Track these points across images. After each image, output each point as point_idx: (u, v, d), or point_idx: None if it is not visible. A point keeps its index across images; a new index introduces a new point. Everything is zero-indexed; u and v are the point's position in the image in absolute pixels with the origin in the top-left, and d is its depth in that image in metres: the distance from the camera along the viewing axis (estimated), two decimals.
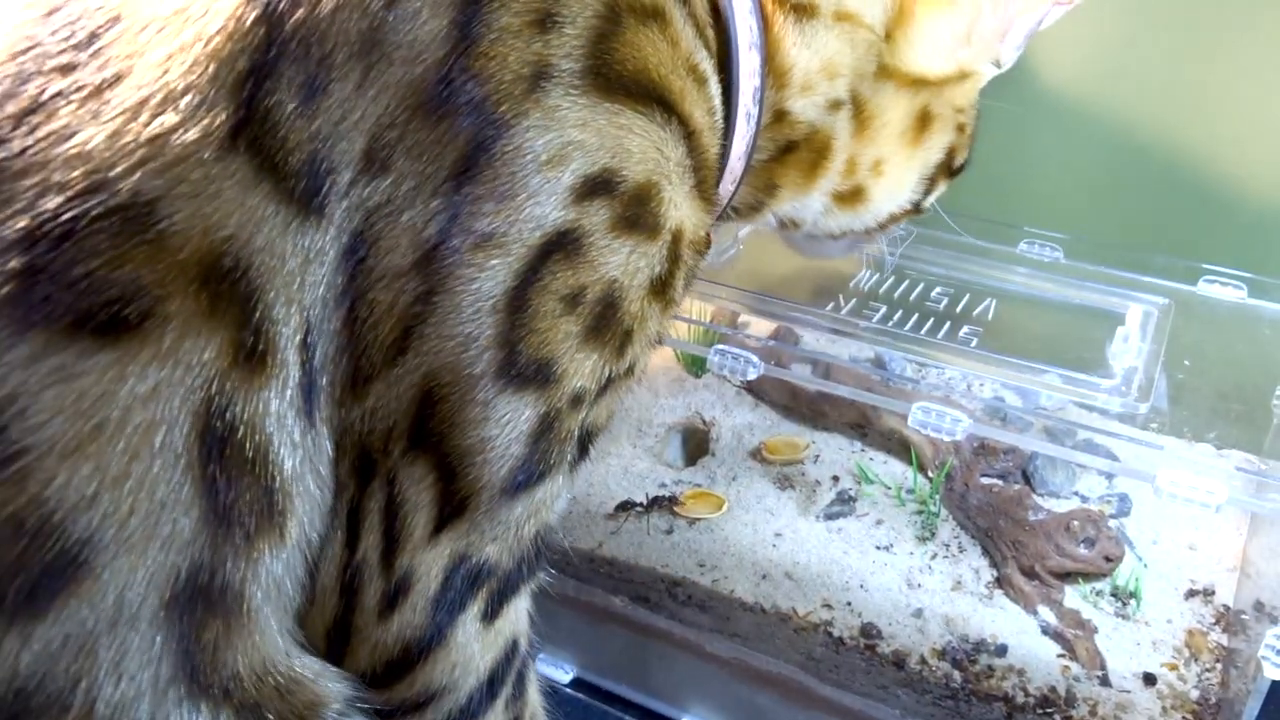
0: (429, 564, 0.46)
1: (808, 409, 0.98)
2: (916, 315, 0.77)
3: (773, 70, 0.57)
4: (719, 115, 0.53)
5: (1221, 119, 0.99)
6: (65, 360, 0.38)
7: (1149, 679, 0.73)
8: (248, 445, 0.41)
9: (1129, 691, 0.72)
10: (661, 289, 0.49)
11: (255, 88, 0.42)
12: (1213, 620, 0.78)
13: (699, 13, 0.52)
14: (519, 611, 0.53)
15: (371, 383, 0.44)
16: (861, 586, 0.80)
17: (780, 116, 0.59)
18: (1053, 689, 0.72)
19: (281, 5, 0.42)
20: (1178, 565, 0.83)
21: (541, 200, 0.44)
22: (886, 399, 0.72)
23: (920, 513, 0.87)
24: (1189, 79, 0.99)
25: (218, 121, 0.41)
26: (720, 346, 0.70)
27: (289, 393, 0.42)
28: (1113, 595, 0.80)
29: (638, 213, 0.47)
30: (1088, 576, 0.80)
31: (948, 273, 0.85)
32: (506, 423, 0.45)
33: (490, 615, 0.50)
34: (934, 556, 0.83)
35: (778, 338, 0.92)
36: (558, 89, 0.45)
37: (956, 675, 0.73)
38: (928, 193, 0.69)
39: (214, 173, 0.41)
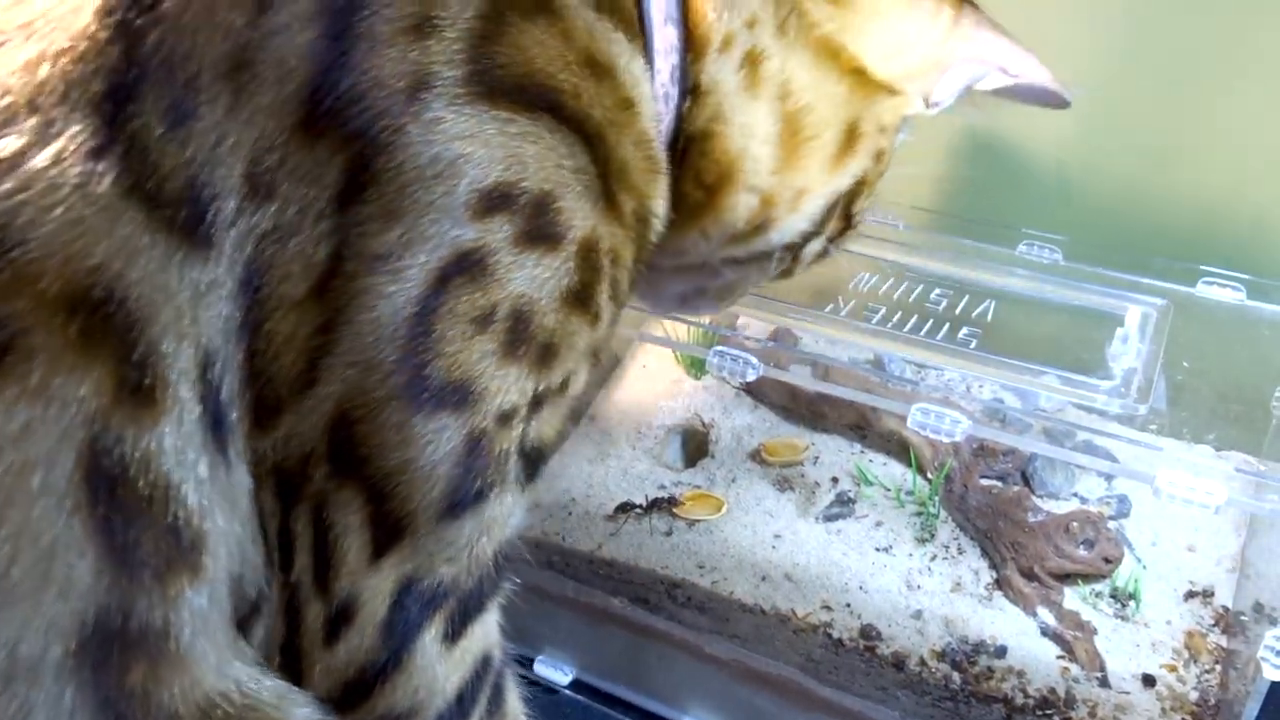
0: (373, 588, 0.45)
1: (807, 410, 0.98)
2: (916, 317, 0.77)
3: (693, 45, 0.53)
4: (639, 103, 0.50)
5: (1221, 120, 0.99)
6: None
7: (1148, 680, 0.73)
8: (142, 483, 0.39)
9: (1128, 693, 0.72)
10: (579, 301, 0.47)
11: (116, 110, 0.39)
12: (1212, 622, 0.78)
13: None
14: (487, 627, 0.51)
15: (281, 414, 0.43)
16: (861, 588, 0.80)
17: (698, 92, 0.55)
18: (1052, 690, 0.72)
19: (139, 22, 0.40)
20: (1177, 566, 0.83)
21: (436, 218, 0.42)
22: (886, 400, 0.72)
23: (920, 514, 0.87)
24: (1188, 80, 0.99)
25: (73, 145, 0.38)
26: (719, 348, 0.70)
27: (186, 428, 0.40)
28: (1112, 597, 0.80)
29: (539, 224, 0.45)
30: (1087, 578, 0.80)
31: (947, 274, 0.85)
32: (428, 445, 0.44)
33: (453, 635, 0.48)
34: (933, 558, 0.83)
35: (777, 339, 0.92)
36: (439, 100, 0.42)
37: (956, 677, 0.73)
38: (818, 227, 0.59)
39: (71, 199, 0.38)
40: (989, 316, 0.79)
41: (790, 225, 0.58)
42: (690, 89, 0.53)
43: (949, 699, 0.72)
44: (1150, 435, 0.83)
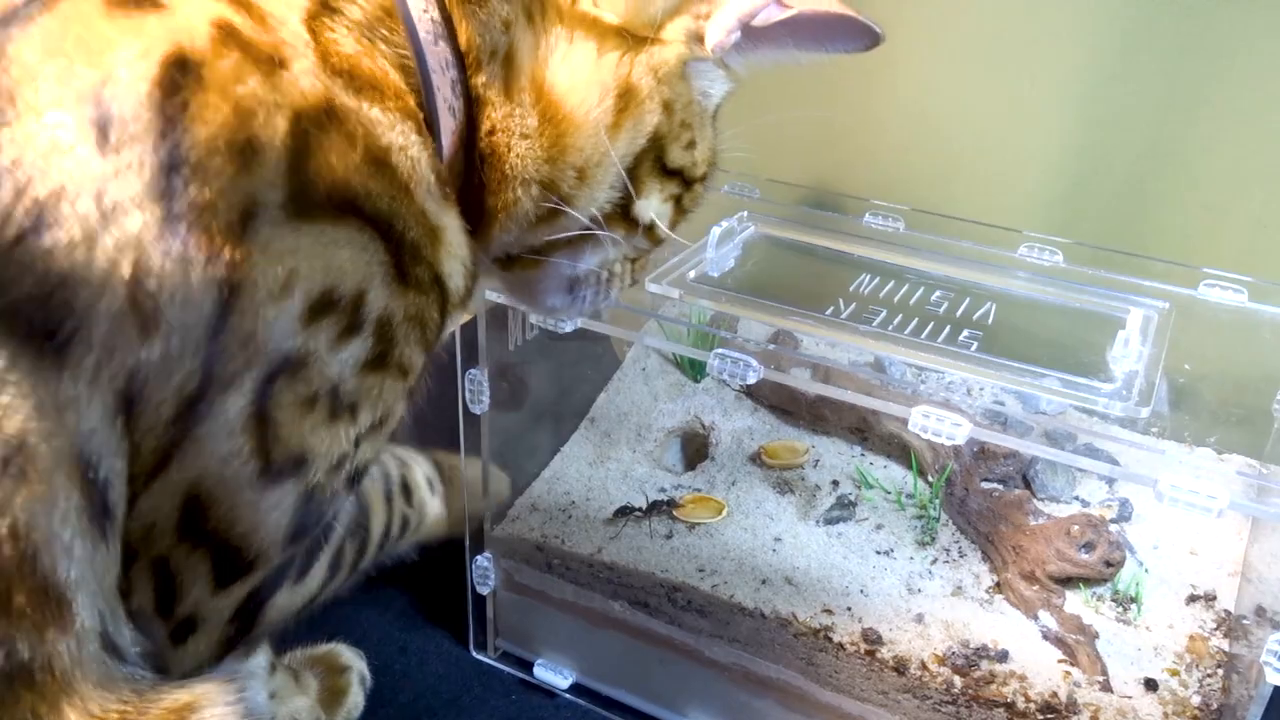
0: (219, 608, 0.54)
1: (807, 413, 0.97)
2: (916, 319, 0.77)
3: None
4: (417, 174, 0.53)
5: (1223, 122, 0.99)
6: None
7: (1150, 684, 0.73)
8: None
9: (1130, 697, 0.72)
10: (385, 364, 0.54)
11: None
12: (1214, 625, 0.78)
13: (381, 63, 0.52)
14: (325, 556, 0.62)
15: (137, 500, 0.48)
16: (862, 591, 0.80)
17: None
18: (1054, 694, 0.72)
19: None
20: (1179, 570, 0.82)
21: (276, 332, 0.47)
22: (886, 403, 0.71)
23: (920, 517, 0.87)
24: (1190, 81, 0.99)
25: None
26: (720, 350, 0.69)
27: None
28: (1114, 600, 0.79)
29: (353, 319, 0.51)
30: (1088, 582, 0.80)
31: (947, 277, 0.85)
32: (274, 509, 0.52)
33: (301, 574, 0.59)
34: (934, 561, 0.83)
35: (777, 342, 0.92)
36: (267, 224, 0.46)
37: (957, 681, 0.73)
38: (629, 191, 0.60)
39: None
40: (990, 319, 0.79)
41: (589, 197, 0.59)
42: (474, 102, 0.56)
43: (950, 703, 0.72)
44: (1152, 438, 0.83)
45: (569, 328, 0.72)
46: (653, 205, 0.62)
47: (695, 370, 1.04)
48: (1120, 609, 0.79)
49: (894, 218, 0.92)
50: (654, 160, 0.60)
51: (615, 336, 0.77)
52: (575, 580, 0.84)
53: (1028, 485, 0.88)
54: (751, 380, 0.69)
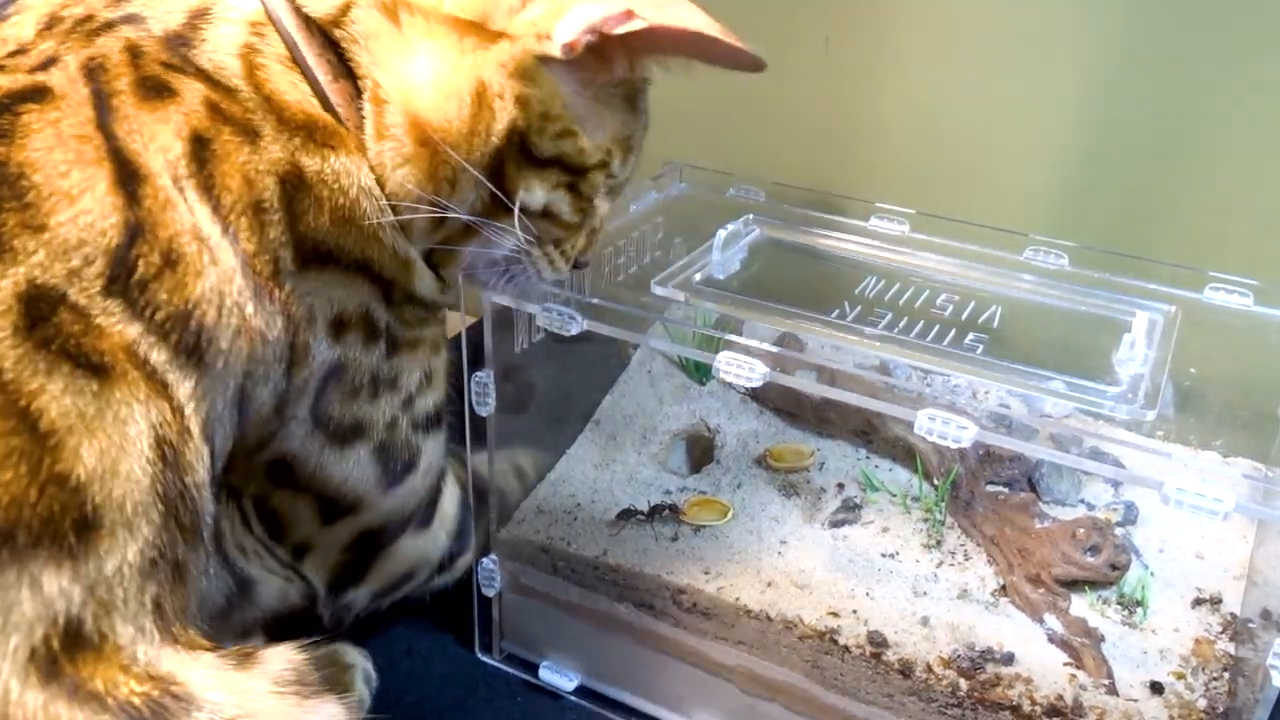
0: (329, 540, 0.72)
1: (813, 416, 0.97)
2: (922, 322, 0.77)
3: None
4: (360, 206, 0.60)
5: (1228, 124, 0.99)
6: None
7: (1156, 688, 0.73)
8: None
9: (1136, 700, 0.72)
10: (397, 348, 0.67)
11: None
12: (1220, 629, 0.78)
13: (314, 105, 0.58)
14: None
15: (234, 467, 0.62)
16: (867, 594, 0.80)
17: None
18: (1060, 697, 0.72)
19: None
20: (1184, 573, 0.82)
21: (318, 350, 0.60)
22: (892, 406, 0.71)
23: (926, 520, 0.87)
24: (1195, 84, 0.99)
25: None
26: (725, 353, 0.69)
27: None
28: (1119, 603, 0.79)
29: (369, 329, 0.64)
30: (1094, 585, 0.80)
31: (953, 280, 0.85)
32: (354, 463, 0.68)
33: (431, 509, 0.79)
34: (940, 564, 0.83)
35: (782, 344, 0.92)
36: (286, 273, 0.57)
37: (963, 684, 0.73)
38: (499, 185, 0.61)
39: None
40: (995, 322, 0.79)
41: (463, 199, 0.61)
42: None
43: (956, 706, 0.72)
44: (1157, 441, 0.83)
45: (575, 330, 0.72)
46: (537, 196, 0.63)
47: (701, 373, 1.04)
48: (1126, 612, 0.79)
49: (899, 220, 0.92)
50: (518, 153, 0.60)
51: (621, 339, 0.77)
52: (580, 582, 0.84)
53: (1033, 488, 0.88)
54: (757, 383, 0.69)
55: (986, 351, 0.73)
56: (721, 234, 0.84)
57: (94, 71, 0.53)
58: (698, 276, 0.82)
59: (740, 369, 0.69)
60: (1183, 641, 0.77)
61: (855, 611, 0.79)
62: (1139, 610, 0.79)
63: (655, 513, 0.87)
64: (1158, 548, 0.84)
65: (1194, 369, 0.80)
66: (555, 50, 0.58)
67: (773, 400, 1.00)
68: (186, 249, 0.52)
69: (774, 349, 0.71)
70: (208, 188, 0.53)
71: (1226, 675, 0.74)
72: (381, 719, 0.74)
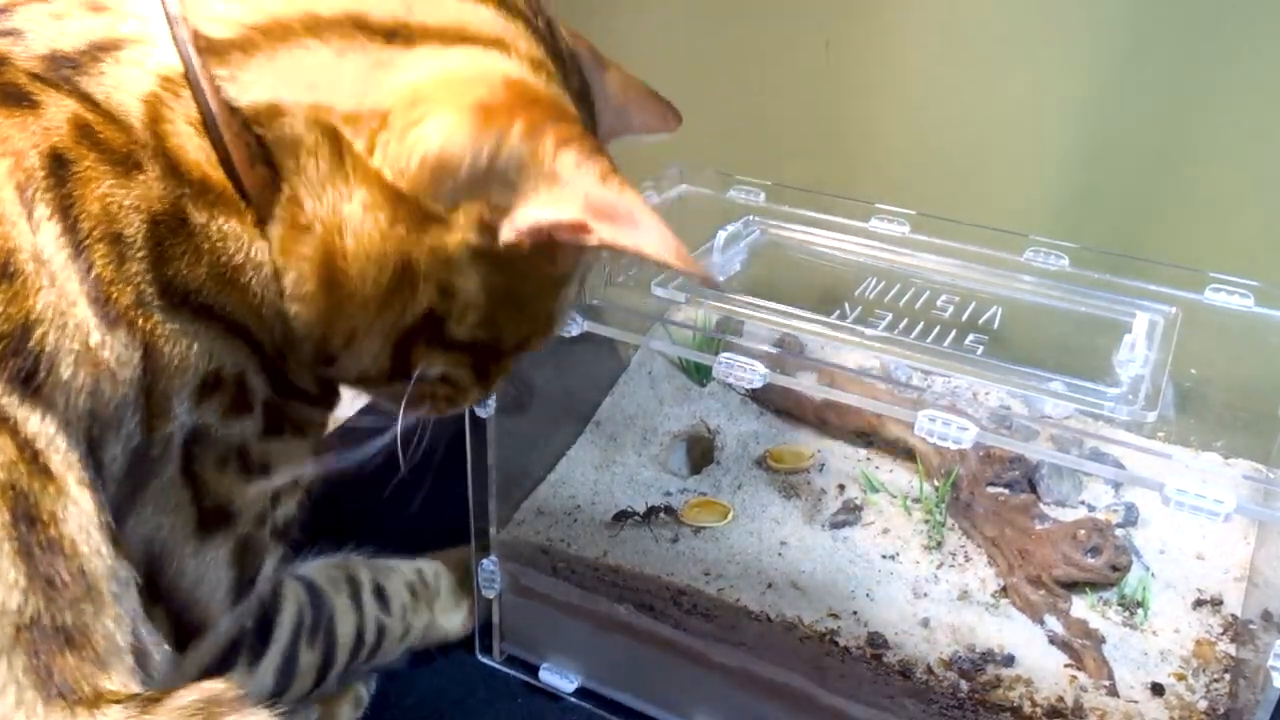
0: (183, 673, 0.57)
1: (813, 417, 0.97)
2: (922, 323, 0.77)
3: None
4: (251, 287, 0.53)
5: (1230, 126, 0.99)
6: None
7: (1157, 689, 0.73)
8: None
9: (1137, 702, 0.72)
10: (277, 433, 0.58)
11: None
12: (1220, 630, 0.78)
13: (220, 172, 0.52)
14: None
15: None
16: (868, 595, 0.80)
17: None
18: (1060, 699, 0.72)
19: None
20: (1185, 574, 0.82)
21: (179, 404, 0.51)
22: (892, 407, 0.71)
23: (926, 522, 0.87)
24: (1196, 84, 0.99)
25: None
26: (725, 354, 0.69)
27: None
28: (1120, 605, 0.79)
29: (241, 397, 0.55)
30: (1095, 586, 0.80)
31: (953, 281, 0.85)
32: (213, 561, 0.57)
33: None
34: (940, 565, 0.83)
35: (783, 346, 0.92)
36: (155, 308, 0.50)
37: (963, 685, 0.73)
38: (393, 364, 0.57)
39: None
40: (995, 323, 0.79)
41: (350, 363, 0.57)
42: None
43: (956, 707, 0.72)
44: (1158, 442, 0.83)
45: (575, 331, 0.72)
46: (435, 369, 0.58)
47: (701, 374, 1.04)
48: (1126, 613, 0.79)
49: (900, 221, 0.92)
50: (430, 334, 0.56)
51: (621, 340, 0.77)
52: (580, 584, 0.84)
53: (1033, 489, 0.88)
54: (757, 384, 0.69)
55: (987, 352, 0.73)
56: (721, 234, 0.84)
57: None
58: None
59: (740, 370, 0.69)
60: (1183, 643, 0.77)
61: (855, 613, 0.79)
62: (1140, 611, 0.79)
63: (651, 514, 0.87)
64: (1158, 549, 0.84)
65: (1194, 370, 0.80)
66: (498, 244, 0.52)
67: (773, 401, 1.00)
68: (24, 265, 0.45)
69: (774, 350, 0.71)
70: (64, 207, 0.47)
71: (1227, 676, 0.74)
72: None
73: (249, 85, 0.50)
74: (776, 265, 0.89)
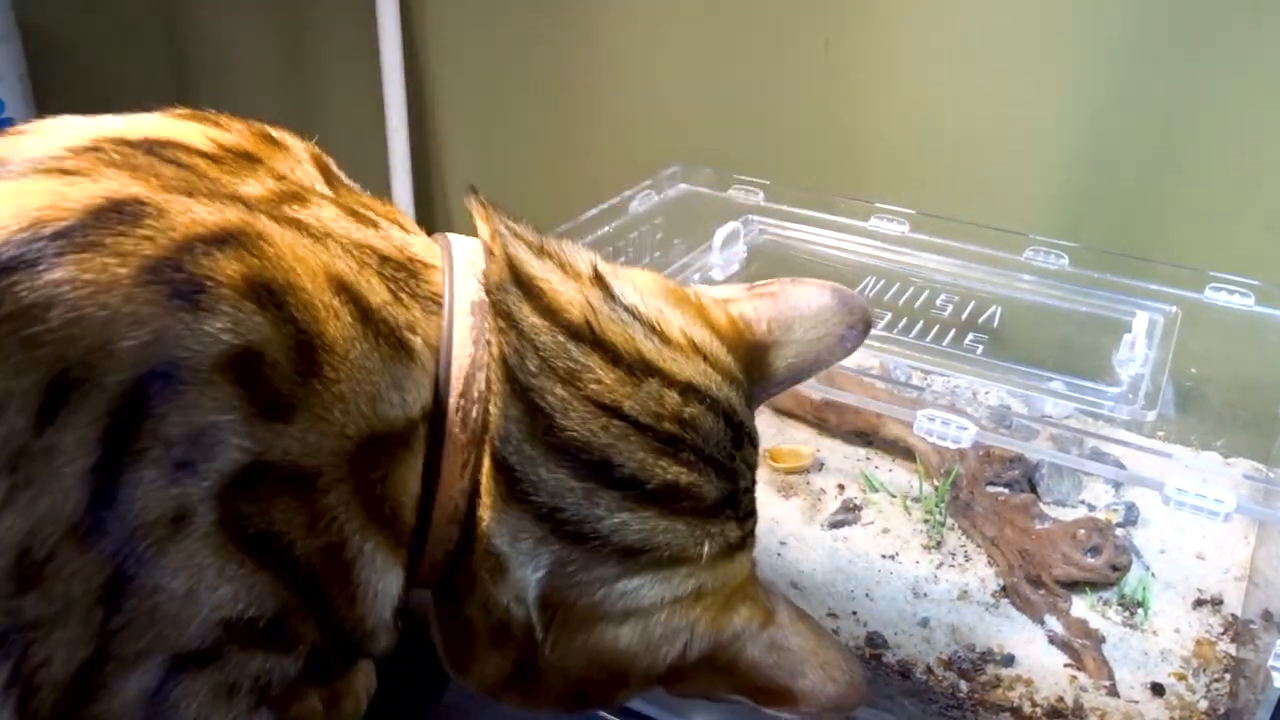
0: None
1: (812, 416, 0.97)
2: (922, 323, 0.77)
3: None
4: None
5: (1230, 125, 0.99)
6: None
7: (1157, 689, 0.73)
8: None
9: (1137, 702, 0.72)
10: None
11: None
12: (1221, 630, 0.78)
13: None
14: None
15: None
16: (867, 595, 0.80)
17: None
18: (1060, 699, 0.72)
19: None
20: (1185, 574, 0.82)
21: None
22: (892, 407, 0.71)
23: (926, 521, 0.87)
24: (1196, 84, 0.99)
25: None
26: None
27: None
28: (1120, 605, 0.79)
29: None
30: (1095, 586, 0.80)
31: (953, 280, 0.85)
32: None
33: None
34: (940, 565, 0.83)
35: None
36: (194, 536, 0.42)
37: (963, 685, 0.73)
38: None
39: None
40: (995, 322, 0.79)
41: None
42: None
43: (956, 707, 0.72)
44: (1158, 442, 0.83)
45: None
46: None
47: None
48: (1126, 613, 0.79)
49: (899, 220, 0.92)
50: None
51: None
52: None
53: (1033, 489, 0.88)
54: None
55: (986, 352, 0.73)
56: (721, 234, 0.84)
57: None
58: (696, 277, 0.82)
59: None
60: (1184, 643, 0.77)
61: (855, 613, 0.79)
62: (1140, 611, 0.78)
63: None
64: (1158, 549, 0.84)
65: (1195, 369, 0.80)
66: None
67: (772, 400, 0.99)
68: None
69: None
70: None
71: (1227, 676, 0.74)
72: None
73: None
74: (776, 264, 0.89)
